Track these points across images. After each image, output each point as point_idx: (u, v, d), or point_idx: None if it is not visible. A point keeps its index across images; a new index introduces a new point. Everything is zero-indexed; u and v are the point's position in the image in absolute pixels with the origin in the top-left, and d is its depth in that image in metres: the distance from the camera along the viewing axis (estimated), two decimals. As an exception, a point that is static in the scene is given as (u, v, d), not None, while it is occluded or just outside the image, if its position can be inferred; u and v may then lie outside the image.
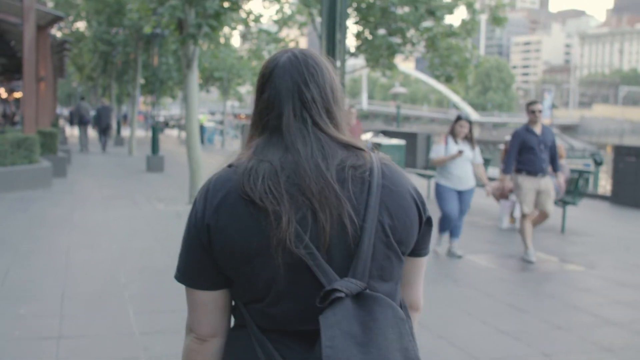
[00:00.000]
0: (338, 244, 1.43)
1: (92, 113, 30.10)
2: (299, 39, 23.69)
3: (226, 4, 11.58)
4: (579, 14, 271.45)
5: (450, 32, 19.33)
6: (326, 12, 7.31)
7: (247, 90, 43.49)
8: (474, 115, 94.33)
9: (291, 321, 1.46)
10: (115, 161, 22.69)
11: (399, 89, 40.32)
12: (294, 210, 1.41)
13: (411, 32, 19.52)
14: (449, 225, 8.17)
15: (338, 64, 5.88)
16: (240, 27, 33.89)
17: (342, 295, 1.34)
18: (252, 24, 32.70)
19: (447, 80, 20.56)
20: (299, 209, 1.42)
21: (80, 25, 32.61)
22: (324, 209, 1.41)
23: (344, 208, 1.42)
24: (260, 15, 28.67)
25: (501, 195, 10.55)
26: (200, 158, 12.31)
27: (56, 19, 15.87)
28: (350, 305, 1.34)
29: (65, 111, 60.42)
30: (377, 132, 24.49)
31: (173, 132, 52.80)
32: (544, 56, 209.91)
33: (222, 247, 1.46)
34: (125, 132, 39.63)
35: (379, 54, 20.56)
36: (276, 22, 29.42)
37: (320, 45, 8.34)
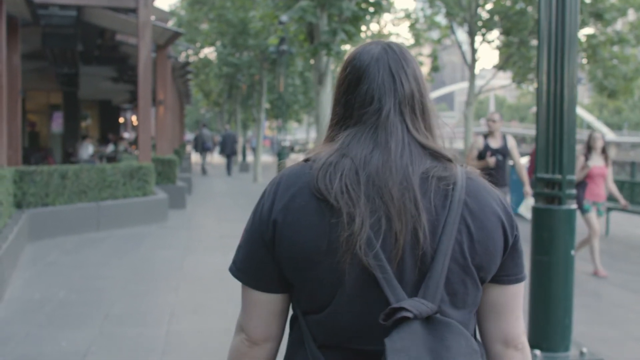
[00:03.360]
0: (409, 259, 1.30)
1: (218, 138, 31.97)
2: (438, 53, 21.51)
3: (365, 5, 9.65)
4: None
5: (618, 39, 16.63)
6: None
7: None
8: (609, 135, 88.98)
9: (351, 338, 1.34)
10: (239, 189, 21.26)
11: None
12: (369, 214, 1.29)
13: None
14: None
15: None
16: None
17: (410, 315, 1.21)
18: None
19: (611, 95, 17.80)
20: (374, 213, 1.29)
21: (207, 51, 32.22)
22: (400, 217, 1.29)
23: (421, 220, 1.30)
24: (391, 34, 26.83)
25: None
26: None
27: (175, 36, 14.49)
28: (419, 330, 1.22)
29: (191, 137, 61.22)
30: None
31: (299, 157, 51.78)
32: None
33: (287, 246, 1.34)
34: (250, 157, 38.91)
35: (528, 67, 18.16)
36: (407, 40, 27.61)
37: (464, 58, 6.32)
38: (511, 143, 8.18)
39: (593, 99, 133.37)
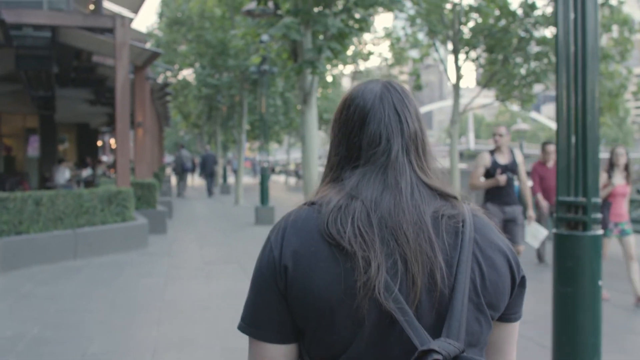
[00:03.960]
0: (426, 300, 1.27)
1: (198, 160, 31.76)
2: (421, 71, 21.26)
3: (352, 22, 9.31)
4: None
5: (602, 55, 16.46)
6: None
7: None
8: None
9: None
10: (221, 212, 20.78)
11: (522, 126, 37.20)
12: (384, 257, 1.26)
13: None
14: None
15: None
16: (350, 67, 32.29)
17: (440, 358, 1.17)
18: (362, 62, 30.84)
19: (596, 112, 17.59)
20: (390, 256, 1.27)
21: (185, 72, 31.91)
22: (417, 259, 1.27)
23: (438, 261, 1.28)
24: (371, 53, 26.63)
25: None
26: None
27: (154, 56, 14.07)
28: None
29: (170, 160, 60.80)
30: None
31: (280, 179, 51.37)
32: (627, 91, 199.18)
33: (300, 294, 1.28)
34: (231, 179, 38.48)
35: (512, 85, 17.96)
36: (386, 59, 27.43)
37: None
38: (520, 158, 7.63)
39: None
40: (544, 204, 9.67)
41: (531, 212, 7.90)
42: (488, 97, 22.07)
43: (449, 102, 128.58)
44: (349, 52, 20.51)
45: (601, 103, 17.19)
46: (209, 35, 21.51)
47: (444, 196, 1.38)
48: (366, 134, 1.40)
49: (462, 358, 1.21)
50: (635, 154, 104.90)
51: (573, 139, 3.58)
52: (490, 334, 1.41)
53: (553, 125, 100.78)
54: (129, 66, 13.24)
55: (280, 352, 1.36)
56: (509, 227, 7.37)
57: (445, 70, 18.65)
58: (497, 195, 7.38)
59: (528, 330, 6.43)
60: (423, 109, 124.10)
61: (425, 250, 1.27)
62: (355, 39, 16.58)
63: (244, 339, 1.42)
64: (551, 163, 9.89)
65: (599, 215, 3.59)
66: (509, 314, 1.43)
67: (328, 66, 10.60)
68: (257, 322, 1.36)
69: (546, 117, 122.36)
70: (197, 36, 22.04)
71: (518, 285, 1.41)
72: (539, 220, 9.81)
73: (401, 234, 1.28)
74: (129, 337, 6.27)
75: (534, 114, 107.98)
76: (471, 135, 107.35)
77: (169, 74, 30.78)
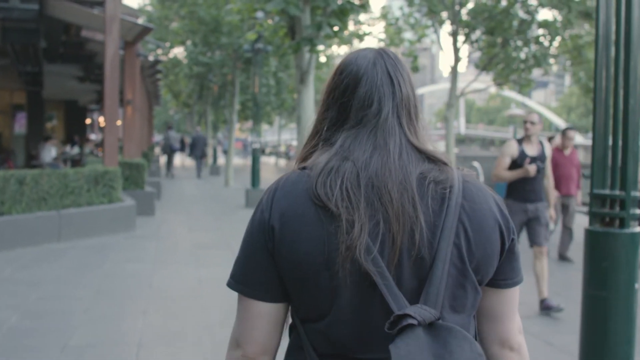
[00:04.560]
0: (407, 264, 1.30)
1: (189, 140, 31.87)
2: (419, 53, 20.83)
3: (353, -1, 8.88)
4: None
5: (605, 40, 16.07)
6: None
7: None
8: (579, 138, 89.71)
9: (351, 347, 1.33)
10: (210, 194, 20.37)
11: (515, 111, 36.86)
12: (368, 219, 1.29)
13: (549, 42, 16.40)
14: None
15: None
16: (345, 48, 31.88)
17: (415, 322, 1.20)
18: (356, 43, 30.45)
19: (596, 98, 17.23)
20: (372, 218, 1.29)
21: (177, 51, 31.37)
22: (398, 218, 1.29)
23: (418, 221, 1.29)
24: (367, 34, 26.17)
25: None
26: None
27: (145, 32, 13.56)
28: (423, 336, 1.21)
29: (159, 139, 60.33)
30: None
31: (270, 160, 50.91)
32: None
33: (286, 255, 1.33)
34: (221, 160, 38.07)
35: (511, 69, 17.56)
36: (382, 40, 27.10)
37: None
38: (548, 150, 6.91)
39: (561, 102, 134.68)
40: (554, 194, 9.24)
41: (552, 212, 7.22)
42: (482, 81, 21.65)
43: (440, 86, 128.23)
44: (346, 32, 20.02)
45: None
46: (202, 12, 20.97)
47: (434, 160, 1.38)
48: (358, 96, 1.41)
49: (438, 325, 1.22)
50: None
51: (611, 125, 3.20)
52: (484, 300, 1.43)
53: (544, 111, 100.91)
54: (119, 41, 12.76)
55: (268, 310, 1.39)
56: (532, 225, 6.69)
57: (440, 52, 18.22)
58: (521, 190, 6.69)
59: (532, 326, 6.10)
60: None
61: (407, 210, 1.29)
62: (361, 14, 16.01)
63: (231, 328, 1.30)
64: (569, 150, 9.50)
65: (637, 211, 3.22)
66: (500, 280, 1.42)
67: (330, 41, 10.12)
68: (246, 280, 1.40)
69: (537, 103, 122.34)
70: (190, 12, 21.48)
71: (508, 250, 1.40)
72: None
73: (385, 193, 1.30)
74: (113, 328, 5.88)
75: (525, 100, 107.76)
76: (462, 119, 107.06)
77: (160, 51, 30.26)
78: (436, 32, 18.02)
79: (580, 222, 10.33)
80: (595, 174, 3.25)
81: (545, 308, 6.60)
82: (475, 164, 19.23)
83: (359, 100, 1.40)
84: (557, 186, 9.12)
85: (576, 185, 9.63)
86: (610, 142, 3.22)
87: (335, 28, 8.71)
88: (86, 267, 8.41)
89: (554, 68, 17.22)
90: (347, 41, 28.48)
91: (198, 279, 7.92)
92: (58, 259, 8.85)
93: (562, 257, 9.61)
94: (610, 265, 3.17)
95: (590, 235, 3.29)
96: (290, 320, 1.45)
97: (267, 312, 1.39)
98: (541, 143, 6.82)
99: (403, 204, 1.29)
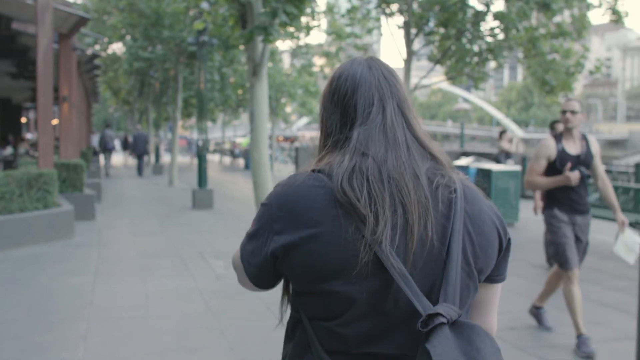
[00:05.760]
0: (420, 262, 1.33)
1: (131, 139, 31.58)
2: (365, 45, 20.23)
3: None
4: (617, 27, 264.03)
5: (560, 32, 15.72)
6: None
7: (291, 109, 40.58)
8: (518, 132, 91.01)
9: (363, 343, 1.36)
10: (154, 194, 19.39)
11: (464, 105, 36.69)
12: (391, 213, 1.32)
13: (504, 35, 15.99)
14: None
15: None
16: (290, 43, 31.20)
17: (445, 321, 1.24)
18: (302, 37, 29.79)
19: (550, 91, 16.91)
20: (395, 211, 1.33)
21: (116, 47, 30.28)
22: (415, 207, 1.33)
23: (429, 214, 1.34)
24: (312, 27, 25.53)
25: None
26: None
27: (81, 22, 12.54)
28: (449, 334, 1.24)
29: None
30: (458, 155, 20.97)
31: (214, 158, 49.79)
32: (584, 70, 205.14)
33: (300, 261, 1.35)
34: (165, 158, 37.03)
35: (465, 62, 17.12)
36: (330, 34, 26.57)
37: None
38: (595, 147, 5.54)
39: (501, 96, 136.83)
40: (540, 204, 7.98)
41: (621, 215, 5.53)
42: (431, 76, 21.21)
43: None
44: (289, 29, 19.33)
45: (555, 82, 16.49)
46: (142, 4, 19.94)
47: (437, 159, 1.43)
48: (360, 95, 1.45)
49: (460, 322, 1.26)
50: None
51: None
52: (478, 294, 1.48)
53: (485, 105, 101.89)
54: (53, 33, 11.78)
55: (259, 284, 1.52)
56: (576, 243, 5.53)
57: (382, 47, 17.67)
58: (566, 198, 5.52)
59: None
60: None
61: (422, 202, 1.33)
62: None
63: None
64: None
65: None
66: (495, 276, 1.50)
67: (286, 30, 9.45)
68: (251, 259, 1.47)
69: (477, 97, 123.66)
70: (129, 4, 20.39)
71: (504, 249, 1.47)
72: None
73: (403, 185, 1.34)
74: (49, 359, 5.07)
75: (465, 94, 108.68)
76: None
77: (98, 47, 29.03)
78: (387, 24, 17.42)
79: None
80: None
81: (586, 357, 5.20)
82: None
83: (362, 99, 1.44)
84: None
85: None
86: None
87: (292, 15, 7.97)
88: (18, 282, 7.52)
89: (501, 61, 16.82)
90: (293, 35, 27.82)
91: (145, 294, 7.11)
92: (-14, 273, 7.93)
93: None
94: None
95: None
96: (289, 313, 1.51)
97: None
98: (585, 138, 5.59)
99: (418, 195, 1.33)
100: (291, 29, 19.29)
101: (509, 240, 1.47)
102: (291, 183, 1.39)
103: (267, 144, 9.19)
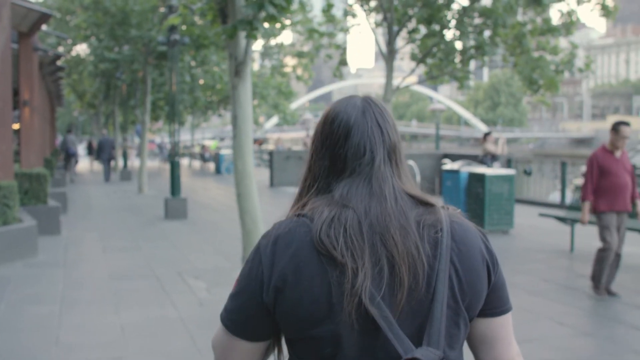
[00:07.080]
0: (408, 308, 1.33)
1: (95, 143, 31.52)
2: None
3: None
4: (579, 26, 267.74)
5: (548, 29, 15.09)
6: None
7: (261, 111, 39.60)
8: (484, 129, 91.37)
9: None
10: (124, 203, 18.34)
11: (438, 106, 36.12)
12: (371, 265, 1.32)
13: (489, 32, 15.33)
14: None
15: None
16: (261, 42, 30.35)
17: None
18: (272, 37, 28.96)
19: (537, 90, 16.29)
20: (377, 264, 1.33)
21: (80, 48, 29.14)
22: (404, 260, 1.33)
23: (421, 261, 1.34)
24: (285, 26, 24.72)
25: None
26: (258, 211, 8.04)
27: (43, 19, 11.56)
28: None
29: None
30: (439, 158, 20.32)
31: (183, 161, 48.63)
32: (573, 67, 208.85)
33: (290, 308, 1.34)
34: (134, 163, 35.87)
35: (449, 61, 16.43)
36: (300, 33, 25.81)
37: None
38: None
39: (468, 96, 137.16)
40: (587, 211, 7.38)
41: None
42: (396, 77, 20.56)
43: (347, 83, 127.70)
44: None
45: (542, 80, 15.86)
46: (107, 2, 18.89)
47: (424, 204, 1.43)
48: (351, 146, 1.45)
49: None
50: (531, 133, 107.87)
51: None
52: (475, 329, 1.46)
53: (453, 104, 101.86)
54: (11, 32, 10.79)
55: (252, 347, 1.43)
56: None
57: (348, 47, 16.89)
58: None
59: None
60: (323, 90, 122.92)
61: (412, 253, 1.32)
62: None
63: None
64: (619, 152, 7.25)
65: None
66: (488, 310, 1.45)
67: (272, 26, 8.65)
68: (235, 319, 1.41)
69: (444, 97, 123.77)
70: (94, 2, 19.32)
71: (494, 283, 1.44)
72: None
73: (389, 238, 1.33)
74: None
75: (433, 93, 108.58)
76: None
77: (61, 49, 27.87)
78: (367, 21, 16.65)
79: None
80: None
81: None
82: (411, 162, 18.13)
83: (353, 150, 1.44)
84: (610, 202, 7.21)
85: (631, 196, 7.31)
86: None
87: (279, 7, 7.11)
88: (-28, 314, 6.56)
89: (486, 59, 16.21)
90: (270, 34, 26.99)
91: (120, 326, 6.19)
92: None
93: (607, 291, 7.32)
94: None
95: None
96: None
97: (251, 350, 1.44)
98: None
99: (408, 247, 1.33)
100: (277, 25, 18.50)
101: (498, 274, 1.45)
102: (276, 228, 1.41)
103: (252, 150, 8.31)
